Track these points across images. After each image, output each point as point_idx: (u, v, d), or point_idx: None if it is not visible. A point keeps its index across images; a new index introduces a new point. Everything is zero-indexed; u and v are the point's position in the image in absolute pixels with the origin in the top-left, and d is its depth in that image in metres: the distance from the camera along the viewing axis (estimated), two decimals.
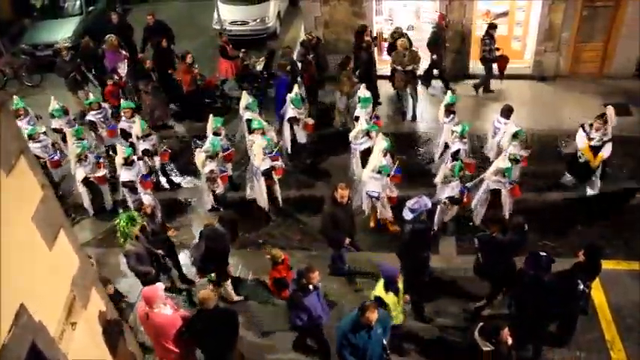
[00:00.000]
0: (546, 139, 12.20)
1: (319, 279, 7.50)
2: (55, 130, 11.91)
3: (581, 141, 10.30)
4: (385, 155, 9.88)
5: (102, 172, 10.86)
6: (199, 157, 10.34)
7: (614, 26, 13.58)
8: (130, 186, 10.43)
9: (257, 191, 10.63)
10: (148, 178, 10.65)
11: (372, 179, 9.74)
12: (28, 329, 4.86)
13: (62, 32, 16.87)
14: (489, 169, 9.86)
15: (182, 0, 19.97)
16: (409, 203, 8.37)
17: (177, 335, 7.19)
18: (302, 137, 12.02)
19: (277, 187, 10.90)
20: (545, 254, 7.40)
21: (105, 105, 12.39)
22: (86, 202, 11.15)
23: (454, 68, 14.36)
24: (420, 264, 8.47)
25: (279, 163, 10.69)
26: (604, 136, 10.12)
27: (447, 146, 10.80)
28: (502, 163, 9.57)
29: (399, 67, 12.91)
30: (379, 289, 7.30)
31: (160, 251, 8.82)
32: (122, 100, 12.06)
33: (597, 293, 8.76)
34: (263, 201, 10.74)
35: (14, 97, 12.24)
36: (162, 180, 11.89)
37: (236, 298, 9.30)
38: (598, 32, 13.81)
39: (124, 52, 14.04)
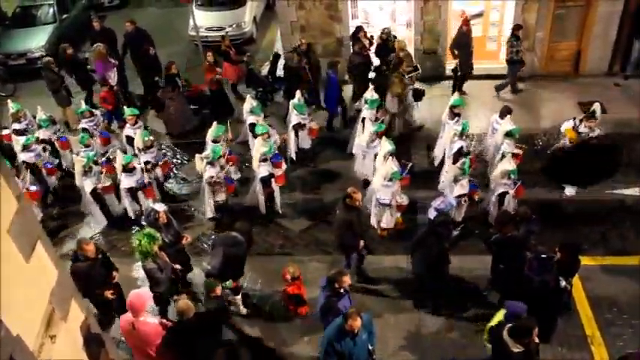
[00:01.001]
0: (523, 137, 12.26)
1: (350, 282, 7.47)
2: (42, 141, 11.69)
3: (566, 125, 10.46)
4: (392, 158, 9.85)
5: (108, 181, 10.68)
6: (199, 163, 10.30)
7: (586, 25, 13.79)
8: (132, 193, 10.39)
9: (256, 196, 10.73)
10: (148, 186, 10.57)
11: (383, 187, 9.71)
12: (6, 343, 4.78)
13: (36, 40, 16.70)
14: (495, 172, 9.90)
15: (157, 7, 19.86)
16: (434, 203, 8.55)
17: (162, 344, 7.12)
18: (306, 143, 12.01)
19: (277, 195, 10.83)
20: (546, 255, 7.46)
21: (97, 112, 12.29)
22: (97, 214, 10.98)
23: (429, 69, 14.37)
24: (436, 261, 8.35)
25: (279, 170, 10.58)
26: (591, 132, 10.21)
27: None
28: (508, 165, 9.62)
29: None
30: (497, 321, 7.11)
31: (177, 266, 8.61)
32: (126, 108, 11.90)
33: (577, 289, 8.87)
34: (261, 206, 10.79)
35: (9, 101, 12.23)
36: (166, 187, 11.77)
37: (244, 311, 9.20)
38: (571, 31, 14.02)
39: (112, 61, 13.87)
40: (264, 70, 14.39)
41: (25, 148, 10.99)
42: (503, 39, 14.46)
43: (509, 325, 6.64)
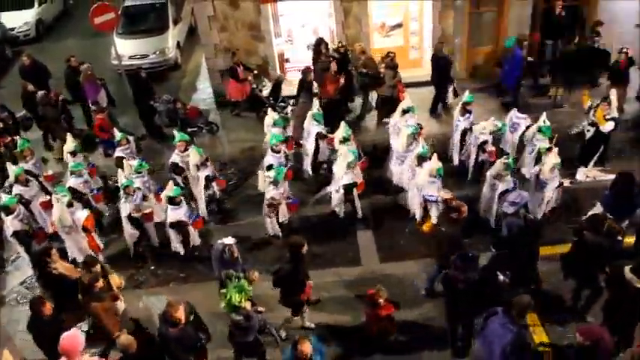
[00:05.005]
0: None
1: None
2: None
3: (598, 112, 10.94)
4: (435, 155, 10.06)
5: (148, 208, 10.24)
6: (262, 180, 10.14)
7: (500, 30, 14.36)
8: (179, 227, 9.96)
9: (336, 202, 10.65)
10: (197, 217, 10.29)
11: (429, 184, 9.83)
12: None
13: None
14: (544, 168, 9.98)
15: (75, 38, 19.37)
16: (510, 197, 8.63)
17: None
18: (324, 153, 11.86)
19: (357, 202, 10.72)
20: (470, 253, 7.55)
21: (131, 139, 11.82)
22: (129, 241, 10.43)
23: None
24: (525, 258, 8.27)
25: (360, 177, 10.57)
26: (607, 115, 10.74)
27: (463, 139, 11.41)
28: (554, 158, 9.85)
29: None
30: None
31: (261, 308, 8.03)
32: (176, 132, 11.35)
33: None
34: (340, 212, 10.71)
35: (18, 137, 11.73)
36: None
37: (309, 324, 8.84)
38: (487, 36, 14.57)
39: (99, 82, 13.53)
40: (266, 91, 14.16)
41: (72, 173, 10.75)
42: (425, 47, 14.91)
43: (632, 265, 7.07)
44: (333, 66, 12.77)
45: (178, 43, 17.51)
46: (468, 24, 14.26)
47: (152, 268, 10.32)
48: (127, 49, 16.15)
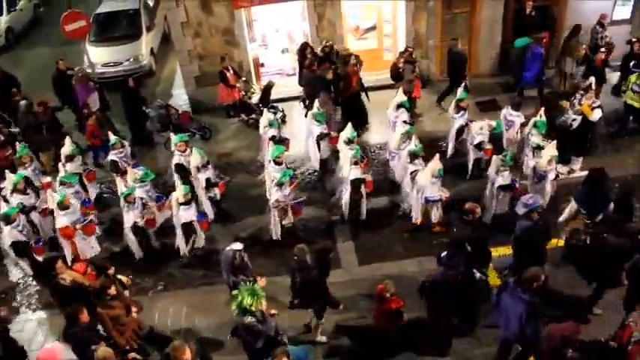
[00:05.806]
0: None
1: None
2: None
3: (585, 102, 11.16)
4: (416, 159, 10.17)
5: (150, 214, 10.13)
6: (268, 180, 10.04)
7: (473, 30, 14.51)
8: (188, 226, 9.94)
9: (343, 201, 10.58)
10: (204, 217, 10.28)
11: (431, 184, 9.86)
12: None
13: None
14: (541, 160, 10.14)
15: (47, 46, 19.09)
16: (524, 198, 8.51)
17: None
18: (325, 152, 11.85)
19: (364, 202, 10.65)
20: (453, 250, 7.68)
21: (126, 143, 11.65)
22: (135, 249, 10.31)
23: None
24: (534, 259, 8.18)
25: (369, 176, 10.55)
26: (593, 103, 11.03)
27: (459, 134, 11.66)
28: (552, 150, 9.98)
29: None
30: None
31: (274, 311, 7.78)
32: (172, 135, 11.28)
33: (493, 278, 9.12)
34: (345, 210, 10.63)
35: (17, 143, 11.51)
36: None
37: (321, 339, 8.63)
38: (461, 36, 14.63)
39: (92, 85, 13.38)
40: (255, 98, 14.10)
41: (62, 184, 10.49)
42: (399, 49, 14.97)
43: None
44: (352, 59, 12.81)
45: (152, 49, 17.33)
46: (441, 25, 14.36)
47: (130, 277, 10.19)
48: (100, 57, 16.03)
